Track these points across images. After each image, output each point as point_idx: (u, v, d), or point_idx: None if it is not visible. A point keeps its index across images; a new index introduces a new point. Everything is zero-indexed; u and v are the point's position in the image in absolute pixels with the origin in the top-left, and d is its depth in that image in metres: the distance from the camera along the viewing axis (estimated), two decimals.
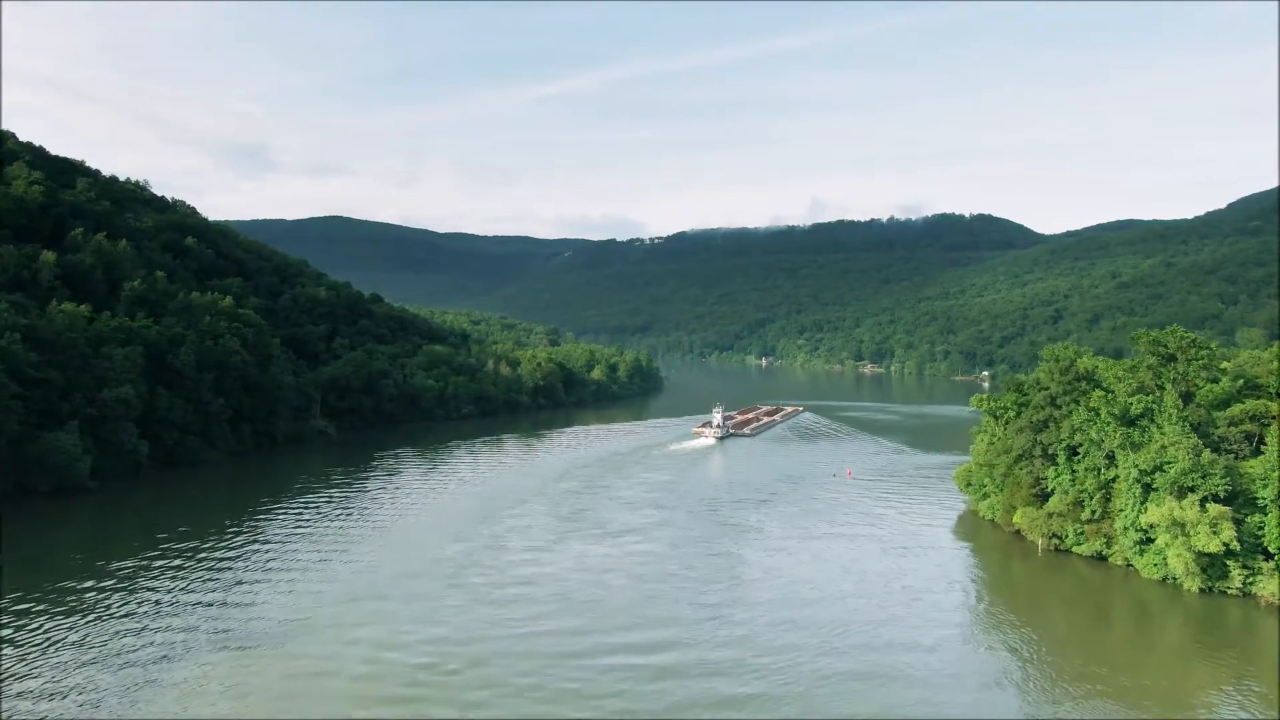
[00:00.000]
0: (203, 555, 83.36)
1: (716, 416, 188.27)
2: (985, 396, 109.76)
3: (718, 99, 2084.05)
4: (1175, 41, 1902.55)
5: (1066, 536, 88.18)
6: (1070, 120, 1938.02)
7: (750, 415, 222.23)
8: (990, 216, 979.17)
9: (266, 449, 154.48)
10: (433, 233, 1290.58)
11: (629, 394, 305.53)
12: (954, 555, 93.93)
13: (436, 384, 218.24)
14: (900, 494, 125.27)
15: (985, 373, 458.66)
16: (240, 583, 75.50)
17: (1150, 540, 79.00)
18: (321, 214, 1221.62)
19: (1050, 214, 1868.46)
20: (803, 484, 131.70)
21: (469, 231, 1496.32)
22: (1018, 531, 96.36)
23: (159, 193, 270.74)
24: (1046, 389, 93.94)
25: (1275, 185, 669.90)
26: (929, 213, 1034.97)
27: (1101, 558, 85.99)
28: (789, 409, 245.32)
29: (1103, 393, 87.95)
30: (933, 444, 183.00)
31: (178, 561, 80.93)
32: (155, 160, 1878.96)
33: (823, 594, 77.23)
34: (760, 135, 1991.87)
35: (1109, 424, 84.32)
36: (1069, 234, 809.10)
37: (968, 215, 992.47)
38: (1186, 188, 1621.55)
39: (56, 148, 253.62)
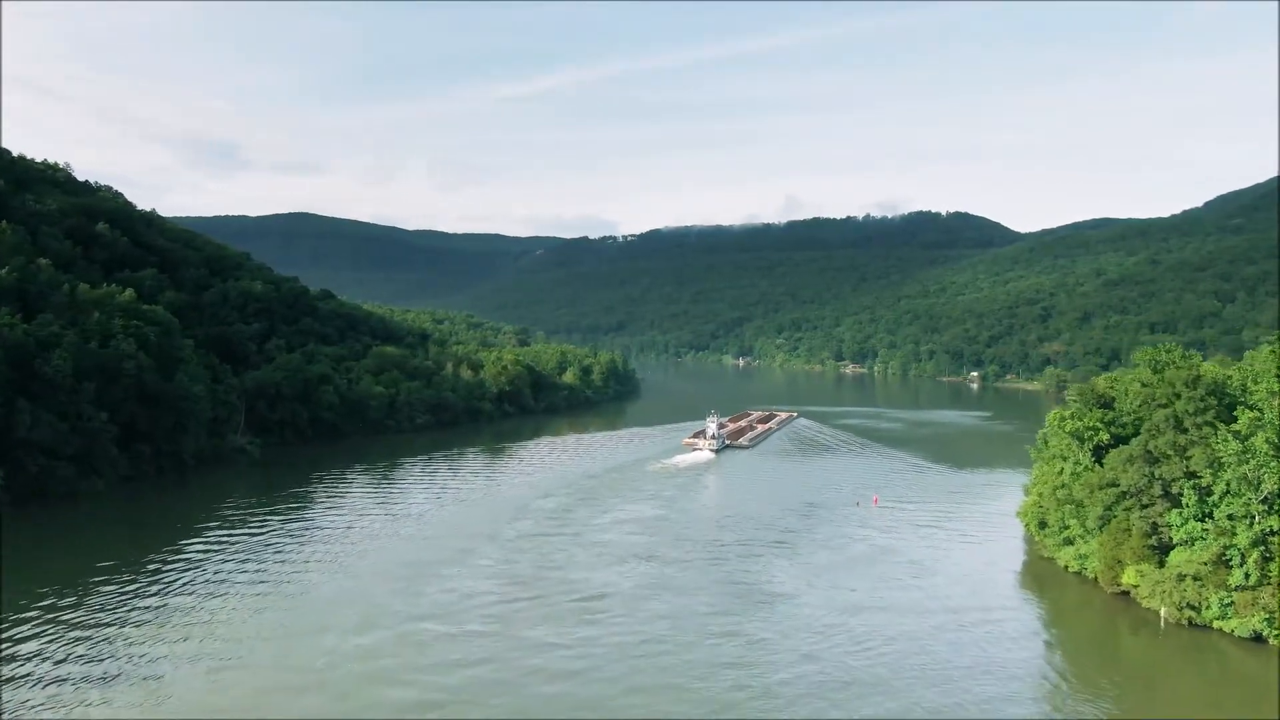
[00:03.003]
0: None
1: (712, 426, 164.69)
2: (1066, 414, 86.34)
3: (692, 98, 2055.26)
4: (1148, 44, 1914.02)
5: (1206, 606, 65.38)
6: (1044, 121, 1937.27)
7: (743, 423, 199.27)
8: (967, 214, 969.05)
9: (171, 473, 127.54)
10: (402, 230, 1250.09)
11: (604, 399, 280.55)
12: (1044, 629, 70.96)
13: (386, 390, 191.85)
14: (943, 530, 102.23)
15: (974, 373, 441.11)
16: (15, 699, 50.26)
17: None
18: (287, 210, 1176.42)
19: (1025, 212, 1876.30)
20: (822, 515, 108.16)
21: (439, 229, 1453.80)
22: (1124, 592, 73.59)
23: (124, 189, 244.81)
24: (1165, 406, 71.12)
25: (1251, 184, 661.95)
26: (905, 210, 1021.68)
27: (1260, 638, 63.29)
28: (783, 415, 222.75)
29: (1253, 413, 65.35)
30: (952, 458, 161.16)
31: None
32: (123, 158, 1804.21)
33: (892, 710, 53.89)
34: (734, 134, 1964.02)
35: (1270, 457, 61.70)
36: (1045, 232, 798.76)
37: (944, 213, 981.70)
38: (1160, 188, 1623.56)
39: (22, 146, 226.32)
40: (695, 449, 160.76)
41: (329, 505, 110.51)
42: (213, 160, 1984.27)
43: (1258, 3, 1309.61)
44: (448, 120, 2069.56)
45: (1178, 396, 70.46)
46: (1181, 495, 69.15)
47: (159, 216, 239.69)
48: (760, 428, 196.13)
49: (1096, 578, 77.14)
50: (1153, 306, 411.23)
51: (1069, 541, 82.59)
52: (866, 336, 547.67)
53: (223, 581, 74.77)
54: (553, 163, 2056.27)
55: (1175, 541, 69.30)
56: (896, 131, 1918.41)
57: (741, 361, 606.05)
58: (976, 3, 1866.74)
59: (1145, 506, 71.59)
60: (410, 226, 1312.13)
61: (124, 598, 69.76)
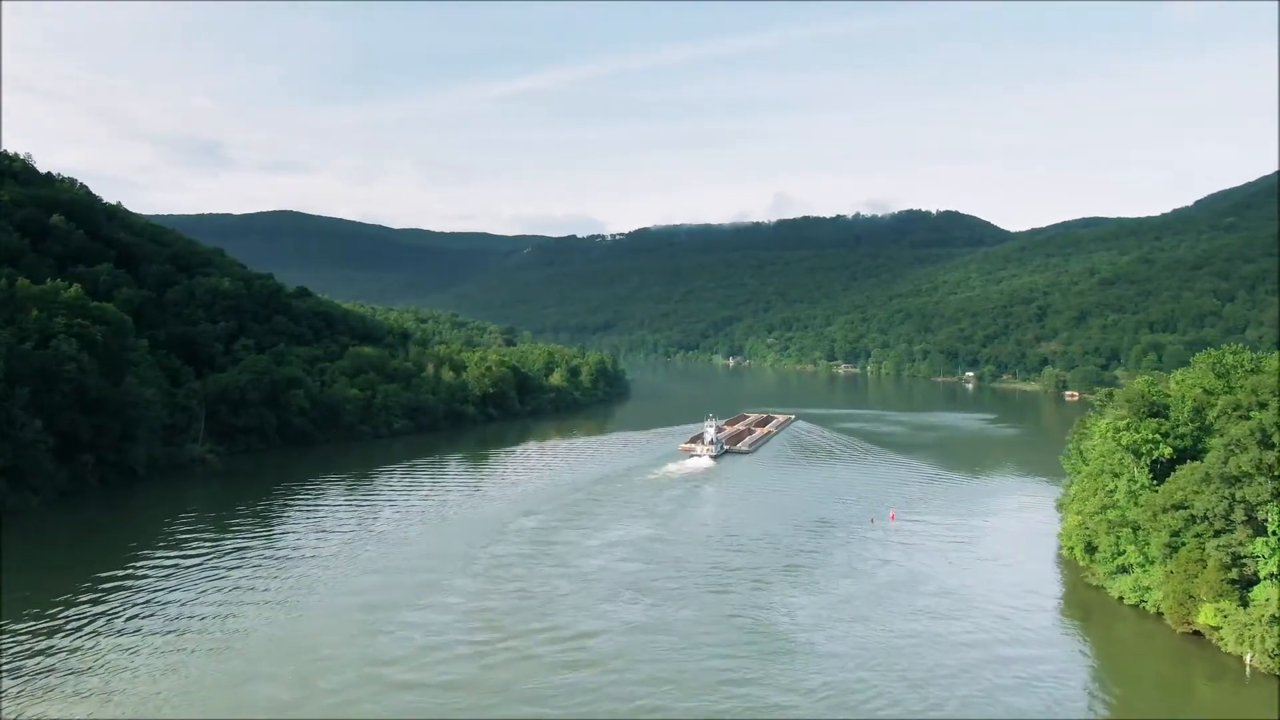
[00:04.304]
0: None
1: (710, 431, 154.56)
2: (1120, 424, 76.23)
3: (681, 97, 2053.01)
4: (1135, 44, 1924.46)
5: None
6: (1033, 120, 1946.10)
7: (741, 426, 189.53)
8: (957, 213, 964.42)
9: (118, 486, 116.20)
10: (388, 229, 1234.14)
11: (592, 401, 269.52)
12: (1109, 674, 60.98)
13: (362, 393, 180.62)
14: (971, 551, 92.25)
15: (970, 374, 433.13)
16: None
17: None
18: (273, 209, 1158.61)
19: (1015, 211, 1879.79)
20: (836, 535, 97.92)
21: (426, 228, 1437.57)
22: (1195, 633, 63.83)
23: (108, 186, 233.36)
24: (1249, 417, 61.40)
25: (1243, 183, 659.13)
26: (894, 209, 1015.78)
27: None
28: (781, 418, 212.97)
29: None
30: (964, 465, 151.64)
31: None
32: (107, 156, 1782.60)
33: None
34: (724, 132, 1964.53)
35: None
36: (1035, 231, 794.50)
37: (934, 212, 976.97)
38: (1149, 187, 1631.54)
39: (12, 145, 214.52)
40: (693, 455, 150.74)
41: (287, 523, 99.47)
42: (197, 158, 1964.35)
43: (1251, 2, 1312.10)
44: (435, 119, 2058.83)
45: (1263, 406, 60.72)
46: (1267, 521, 59.45)
47: (124, 209, 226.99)
48: (759, 431, 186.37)
49: (1161, 613, 67.35)
50: (1150, 305, 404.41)
51: (1124, 569, 72.77)
52: (858, 336, 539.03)
53: (139, 618, 63.82)
54: (541, 162, 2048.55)
55: (1262, 575, 59.58)
56: (886, 131, 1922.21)
57: (732, 361, 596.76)
58: (971, 3, 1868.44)
59: (1220, 533, 61.85)
60: (397, 225, 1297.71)
61: (19, 640, 58.70)
